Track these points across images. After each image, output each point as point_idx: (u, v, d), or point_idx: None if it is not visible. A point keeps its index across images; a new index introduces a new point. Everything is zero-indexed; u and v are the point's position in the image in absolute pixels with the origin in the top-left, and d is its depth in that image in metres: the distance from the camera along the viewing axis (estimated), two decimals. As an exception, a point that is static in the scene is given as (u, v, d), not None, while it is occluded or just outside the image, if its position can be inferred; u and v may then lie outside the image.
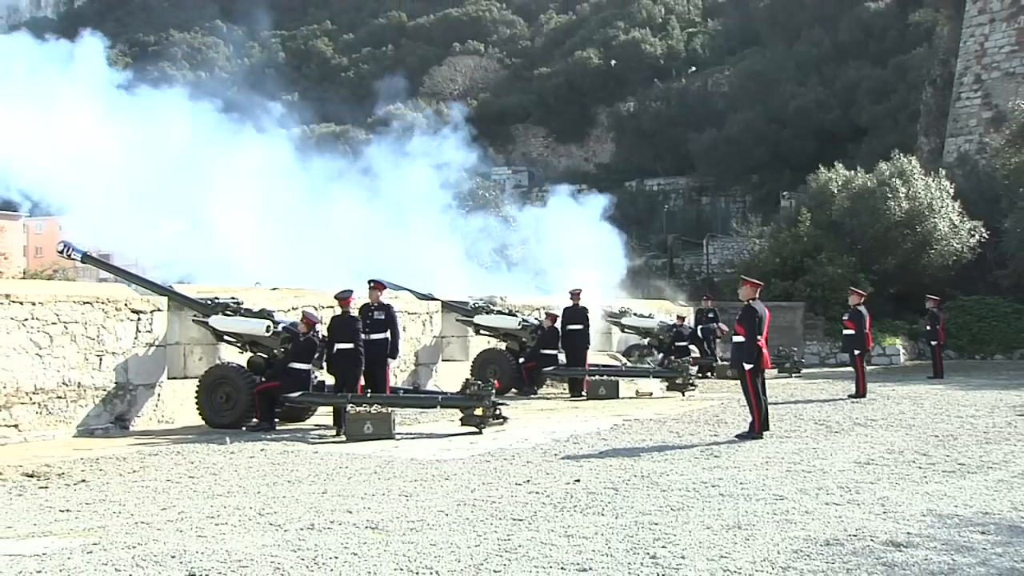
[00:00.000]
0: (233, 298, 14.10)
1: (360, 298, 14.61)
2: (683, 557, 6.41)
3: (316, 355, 13.60)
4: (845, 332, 19.13)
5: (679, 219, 55.41)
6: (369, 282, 14.91)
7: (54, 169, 16.25)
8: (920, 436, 12.36)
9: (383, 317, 14.55)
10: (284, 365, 13.38)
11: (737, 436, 12.33)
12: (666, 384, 18.98)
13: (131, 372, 13.17)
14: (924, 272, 29.32)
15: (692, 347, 22.90)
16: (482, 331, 19.59)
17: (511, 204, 40.72)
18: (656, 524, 7.33)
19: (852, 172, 31.58)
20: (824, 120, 53.20)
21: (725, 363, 21.16)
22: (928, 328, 23.94)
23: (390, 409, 12.67)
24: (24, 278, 37.66)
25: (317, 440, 12.39)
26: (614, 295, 24.14)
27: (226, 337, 14.06)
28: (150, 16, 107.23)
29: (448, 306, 19.42)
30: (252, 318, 13.78)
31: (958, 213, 29.68)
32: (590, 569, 6.14)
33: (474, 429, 12.76)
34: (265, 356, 13.74)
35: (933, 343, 23.52)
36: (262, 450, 11.24)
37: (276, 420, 13.48)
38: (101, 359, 12.78)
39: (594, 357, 20.42)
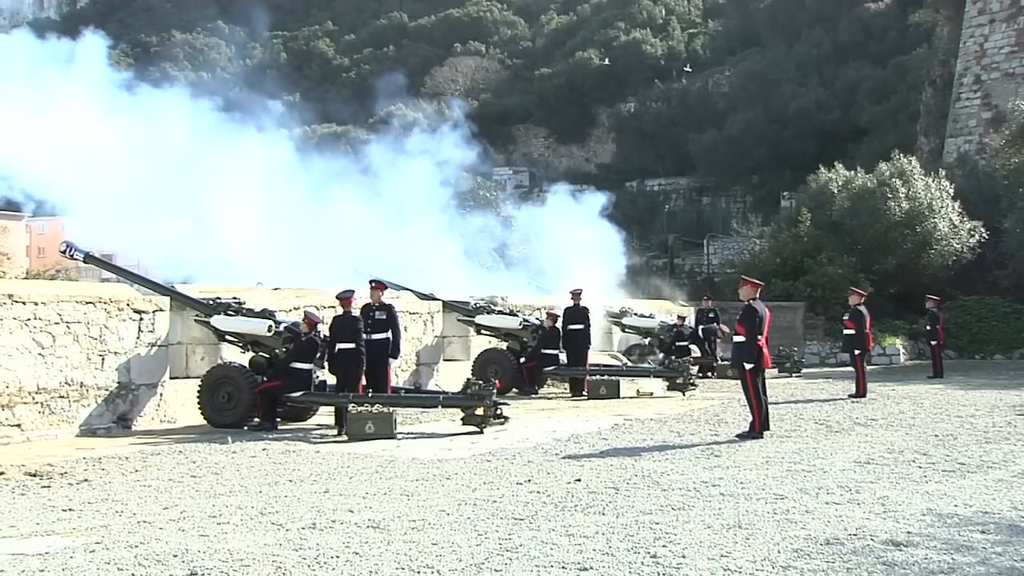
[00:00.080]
0: (235, 298, 14.12)
1: (361, 298, 14.63)
2: (684, 556, 6.43)
3: (318, 355, 13.62)
4: (846, 332, 19.15)
5: (680, 219, 55.47)
6: (370, 282, 14.94)
7: (56, 169, 16.28)
8: (920, 436, 12.38)
9: (384, 317, 14.57)
10: (286, 365, 13.40)
11: (737, 436, 12.35)
12: (667, 384, 19.01)
13: (133, 372, 13.19)
14: (924, 272, 29.35)
15: (693, 347, 22.93)
16: (483, 331, 19.60)
17: (510, 203, 40.73)
18: (657, 523, 7.35)
19: (852, 172, 31.61)
20: (824, 120, 53.25)
21: (725, 363, 21.18)
22: (928, 328, 23.96)
23: (391, 409, 12.69)
24: (27, 278, 37.73)
25: (319, 440, 12.40)
26: (614, 294, 24.15)
27: (228, 337, 14.08)
28: (152, 17, 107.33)
29: (449, 306, 19.44)
30: (254, 318, 13.80)
31: (958, 213, 29.70)
32: (591, 568, 6.16)
33: (475, 429, 12.77)
34: (267, 356, 13.76)
35: (933, 343, 23.55)
36: (264, 449, 11.26)
37: (278, 420, 13.49)
38: (103, 359, 12.81)
39: (595, 357, 20.44)
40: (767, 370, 13.08)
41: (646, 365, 21.93)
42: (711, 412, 15.35)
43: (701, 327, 23.78)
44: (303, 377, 13.40)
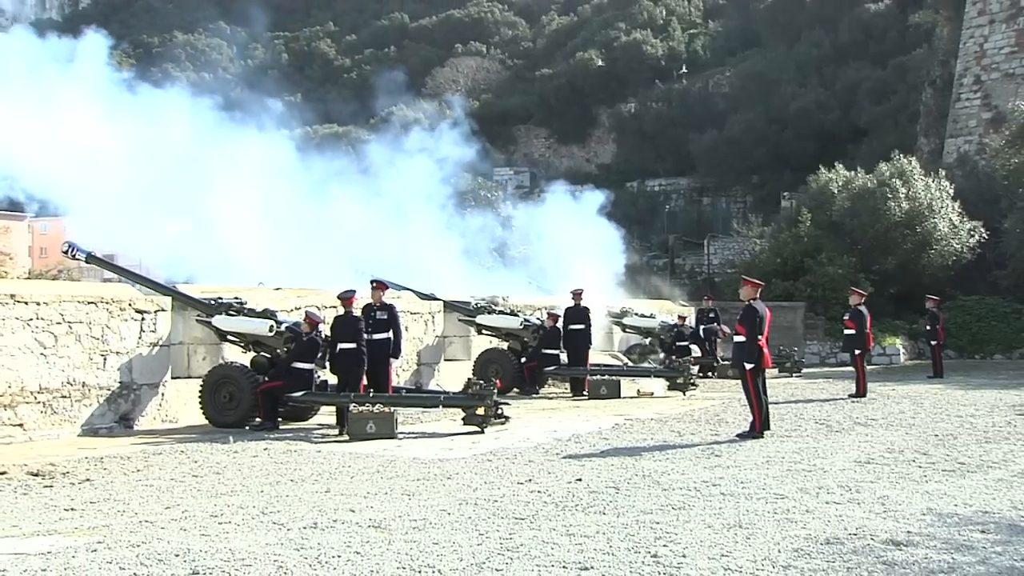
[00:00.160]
0: (236, 298, 14.13)
1: (363, 298, 14.65)
2: (684, 556, 6.44)
3: (319, 355, 13.64)
4: (846, 332, 19.16)
5: (680, 219, 55.52)
6: (372, 282, 14.96)
7: (58, 169, 16.30)
8: (920, 435, 12.40)
9: (385, 317, 14.59)
10: (287, 365, 13.42)
11: (738, 435, 12.36)
12: (667, 384, 19.03)
13: (135, 372, 13.21)
14: (924, 272, 29.36)
15: (693, 347, 22.94)
16: (484, 331, 19.62)
17: (509, 203, 40.73)
18: (657, 523, 7.36)
19: (852, 173, 31.62)
20: (824, 121, 53.29)
21: (726, 363, 21.21)
22: (928, 328, 23.98)
23: (392, 409, 12.71)
24: (29, 278, 37.77)
25: (320, 439, 12.42)
26: (614, 293, 24.17)
27: (229, 337, 14.10)
28: (154, 18, 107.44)
29: (450, 306, 19.46)
30: (255, 318, 13.83)
31: (958, 213, 29.71)
32: (592, 568, 6.17)
33: (476, 429, 12.78)
34: (268, 356, 13.78)
35: (933, 343, 23.56)
36: (265, 449, 11.27)
37: (279, 419, 13.51)
38: (105, 359, 12.82)
39: (595, 357, 20.46)
40: (767, 370, 13.09)
41: (647, 365, 21.95)
42: (711, 412, 15.37)
43: (702, 327, 23.80)
44: (304, 377, 13.42)
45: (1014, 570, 6.17)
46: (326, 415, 14.11)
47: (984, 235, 29.71)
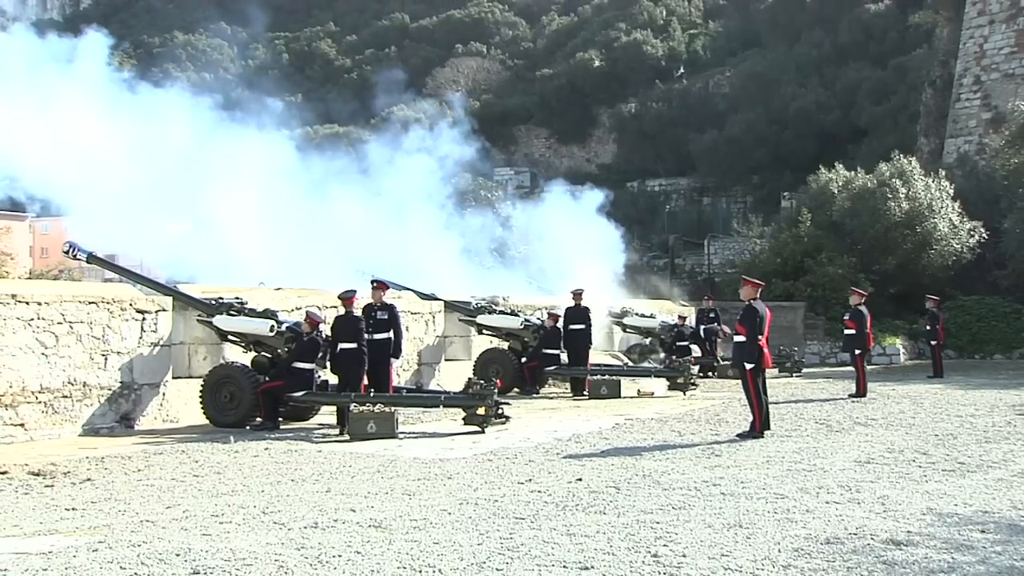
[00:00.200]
0: (237, 298, 14.15)
1: (363, 298, 14.66)
2: (684, 555, 6.45)
3: (320, 355, 13.66)
4: (846, 332, 19.17)
5: (680, 219, 55.54)
6: (372, 282, 14.98)
7: (59, 169, 16.31)
8: (920, 435, 12.41)
9: (386, 317, 14.60)
10: (288, 365, 13.43)
11: (738, 435, 12.37)
12: (668, 383, 19.04)
13: (136, 371, 13.23)
14: (924, 272, 29.37)
15: (694, 347, 22.96)
16: (485, 331, 19.63)
17: (508, 203, 40.73)
18: (658, 523, 7.37)
19: (852, 173, 31.63)
20: (824, 121, 53.31)
21: (726, 363, 21.23)
22: (928, 328, 24.00)
23: (393, 408, 12.72)
24: (30, 278, 37.77)
25: (321, 439, 12.43)
26: (614, 293, 24.19)
27: (230, 337, 14.11)
28: (155, 18, 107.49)
29: (451, 306, 19.48)
30: (256, 318, 13.84)
31: (958, 213, 29.73)
32: (592, 567, 6.18)
33: (477, 428, 12.80)
34: (269, 356, 13.79)
35: (933, 343, 23.58)
36: (266, 449, 11.28)
37: (280, 419, 13.52)
38: (106, 359, 12.84)
39: (596, 356, 20.47)
40: (768, 370, 13.11)
41: (647, 365, 21.96)
42: (712, 412, 15.38)
43: (702, 327, 23.82)
44: (305, 377, 13.43)
45: (1014, 570, 6.18)
46: (327, 415, 14.12)
47: (984, 235, 29.73)
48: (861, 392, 17.85)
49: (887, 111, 50.12)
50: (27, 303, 11.93)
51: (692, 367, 19.18)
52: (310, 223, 20.78)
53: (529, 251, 28.16)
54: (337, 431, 13.02)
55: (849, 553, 6.51)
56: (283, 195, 20.30)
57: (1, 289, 12.02)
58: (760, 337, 12.52)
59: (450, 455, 10.86)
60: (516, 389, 18.59)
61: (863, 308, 18.46)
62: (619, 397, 18.04)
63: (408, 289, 18.65)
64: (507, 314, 19.46)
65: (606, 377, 18.73)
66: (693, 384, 18.77)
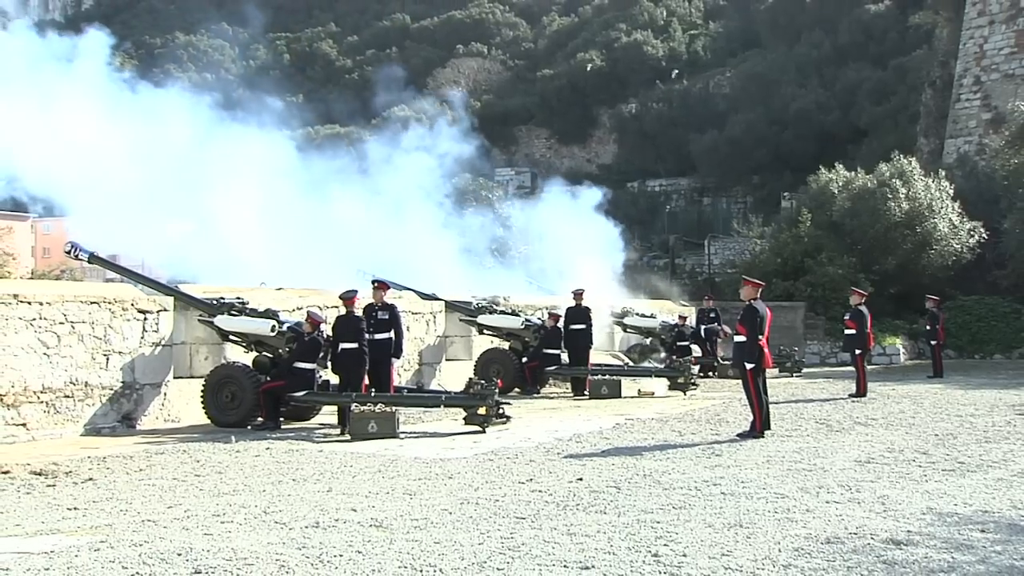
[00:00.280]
0: (238, 298, 14.17)
1: (364, 298, 14.68)
2: (685, 555, 6.46)
3: (321, 355, 13.68)
4: (847, 332, 19.19)
5: (681, 220, 55.57)
6: (373, 282, 14.99)
7: (60, 169, 16.33)
8: (920, 435, 12.42)
9: (387, 317, 14.61)
10: (289, 364, 13.44)
11: (738, 435, 12.39)
12: (668, 383, 19.06)
13: (137, 371, 13.24)
14: (924, 272, 29.39)
15: (694, 347, 22.99)
16: (485, 331, 19.65)
17: (507, 202, 40.73)
18: (658, 522, 7.38)
19: (852, 173, 31.64)
20: (824, 121, 53.31)
21: (726, 363, 21.26)
22: (928, 328, 24.02)
23: (394, 408, 12.73)
24: (32, 278, 37.80)
25: (322, 439, 12.44)
26: (615, 292, 24.20)
27: (231, 337, 14.13)
28: (156, 19, 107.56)
29: (452, 306, 19.49)
30: (257, 318, 13.86)
31: (958, 214, 29.74)
32: (593, 567, 6.19)
33: (477, 428, 12.82)
34: (270, 356, 13.81)
35: (933, 343, 23.60)
36: (267, 449, 11.30)
37: (281, 419, 13.54)
38: (108, 358, 12.86)
39: (596, 356, 20.49)
40: (768, 370, 13.12)
41: (647, 364, 21.98)
42: (712, 412, 15.39)
43: (702, 327, 23.84)
44: (306, 377, 13.45)
45: (1014, 569, 6.19)
46: (328, 415, 14.14)
47: (984, 235, 29.75)
48: (861, 392, 17.86)
49: (887, 111, 50.13)
50: (29, 303, 11.95)
51: (692, 367, 19.20)
52: (311, 223, 20.79)
53: (529, 251, 28.18)
54: (338, 431, 13.04)
55: (849, 553, 6.52)
56: (284, 195, 20.32)
57: (3, 289, 12.04)
58: (760, 337, 12.54)
59: (451, 455, 10.88)
60: (517, 389, 18.61)
61: (863, 308, 18.48)
62: (619, 397, 18.06)
63: (409, 289, 18.67)
64: (508, 314, 19.48)
65: (607, 377, 18.75)
66: (693, 384, 18.80)
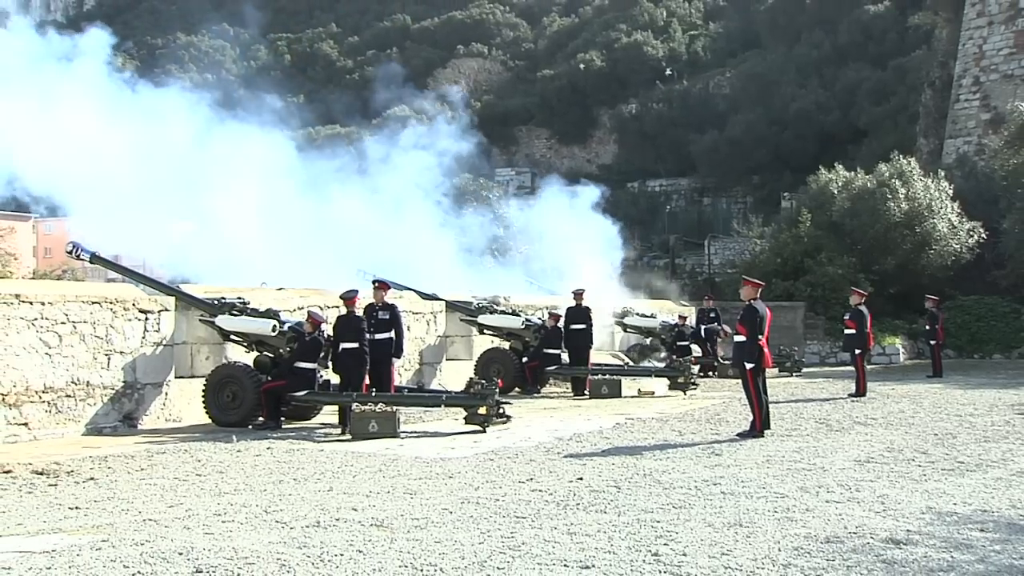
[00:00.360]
0: (239, 298, 14.19)
1: (365, 298, 14.70)
2: (685, 554, 6.47)
3: (321, 354, 13.70)
4: (846, 331, 19.21)
5: (681, 220, 55.61)
6: (373, 282, 15.01)
7: (61, 169, 16.33)
8: (919, 435, 12.44)
9: (387, 317, 14.63)
10: (290, 364, 13.46)
11: (738, 435, 12.41)
12: (668, 383, 19.09)
13: (139, 371, 13.27)
14: (923, 272, 29.40)
15: (694, 346, 23.01)
16: (486, 331, 19.67)
17: (504, 202, 40.73)
18: (658, 522, 7.40)
19: (852, 173, 31.65)
20: (824, 122, 53.33)
21: (726, 362, 21.28)
22: (927, 328, 24.04)
23: (395, 408, 12.75)
24: (34, 278, 37.80)
25: (323, 438, 12.46)
26: (614, 291, 24.21)
27: (232, 336, 14.14)
28: (158, 19, 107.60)
29: (452, 306, 19.52)
30: (258, 318, 13.88)
31: (957, 214, 29.76)
32: (593, 566, 6.20)
33: (478, 428, 12.84)
34: (271, 355, 13.83)
35: (932, 342, 23.62)
36: (268, 448, 11.32)
37: (282, 419, 13.56)
38: (109, 358, 12.88)
39: (596, 356, 20.51)
40: (768, 369, 13.14)
41: (647, 364, 22.01)
42: (712, 411, 15.41)
43: (702, 327, 23.86)
44: (307, 376, 13.47)
45: (1013, 568, 6.20)
46: (329, 414, 14.17)
47: (983, 235, 29.77)
48: (861, 392, 17.88)
49: (887, 112, 50.13)
50: (31, 303, 11.97)
51: (692, 367, 19.22)
52: (311, 223, 20.80)
53: (529, 251, 28.19)
54: (339, 430, 13.05)
55: (849, 552, 6.54)
56: (284, 195, 20.33)
57: (5, 289, 12.06)
58: (760, 337, 12.56)
59: (451, 454, 10.89)
60: (517, 389, 18.63)
61: (863, 308, 18.50)
62: (620, 397, 18.07)
63: (410, 289, 18.69)
64: (508, 314, 19.50)
65: (607, 377, 18.77)
66: (693, 384, 18.82)
